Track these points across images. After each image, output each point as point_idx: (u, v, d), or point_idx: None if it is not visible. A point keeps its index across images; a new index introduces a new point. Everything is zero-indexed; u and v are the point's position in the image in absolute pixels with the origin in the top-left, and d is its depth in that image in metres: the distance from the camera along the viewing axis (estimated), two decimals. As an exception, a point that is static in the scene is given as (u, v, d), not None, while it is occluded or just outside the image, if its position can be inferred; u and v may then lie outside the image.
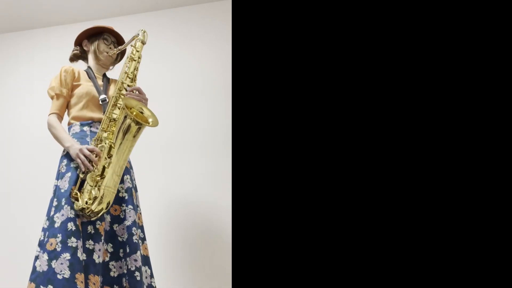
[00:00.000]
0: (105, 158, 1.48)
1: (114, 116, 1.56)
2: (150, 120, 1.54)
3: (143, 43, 1.68)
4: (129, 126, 1.49)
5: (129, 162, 1.70)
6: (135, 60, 1.65)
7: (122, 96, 1.59)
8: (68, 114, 1.68)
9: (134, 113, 1.52)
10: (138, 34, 1.69)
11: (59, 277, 1.34)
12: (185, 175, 2.33)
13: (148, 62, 2.53)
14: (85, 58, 1.82)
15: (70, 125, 1.66)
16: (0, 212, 2.49)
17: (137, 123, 1.49)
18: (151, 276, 1.57)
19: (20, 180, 2.51)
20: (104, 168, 1.47)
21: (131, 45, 1.67)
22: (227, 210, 2.22)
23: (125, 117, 1.48)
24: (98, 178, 1.46)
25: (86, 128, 1.61)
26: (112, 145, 1.49)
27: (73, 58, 1.81)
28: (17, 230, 2.40)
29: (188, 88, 2.48)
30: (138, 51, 1.66)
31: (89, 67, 1.76)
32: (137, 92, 1.61)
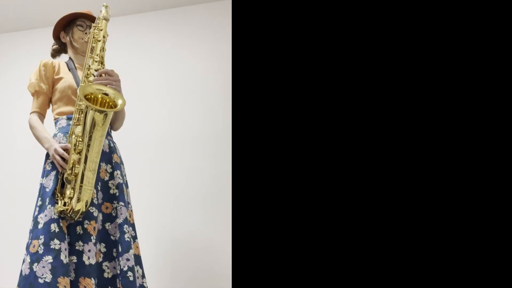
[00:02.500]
0: (74, 154, 1.38)
1: (83, 107, 1.44)
2: (118, 101, 1.38)
3: (106, 20, 1.50)
4: (93, 118, 1.35)
5: (120, 157, 1.61)
6: (99, 41, 1.49)
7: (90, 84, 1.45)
8: (53, 109, 1.62)
9: (99, 96, 1.37)
10: (101, 11, 1.51)
11: (40, 281, 1.30)
12: (184, 175, 2.29)
13: (148, 62, 2.50)
14: (66, 51, 1.73)
15: (56, 119, 1.60)
16: None
17: (101, 111, 1.34)
18: (143, 276, 1.48)
19: (18, 180, 2.51)
20: (73, 165, 1.38)
21: (93, 25, 1.50)
22: (226, 211, 2.16)
23: (86, 107, 1.35)
24: (73, 177, 1.38)
25: (72, 122, 1.53)
26: (80, 139, 1.38)
27: (54, 54, 1.74)
28: (15, 231, 2.41)
29: (188, 88, 2.44)
30: (101, 30, 1.49)
31: (70, 58, 1.67)
32: (106, 76, 1.46)
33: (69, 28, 1.66)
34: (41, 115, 1.60)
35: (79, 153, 1.37)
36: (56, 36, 1.72)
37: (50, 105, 1.64)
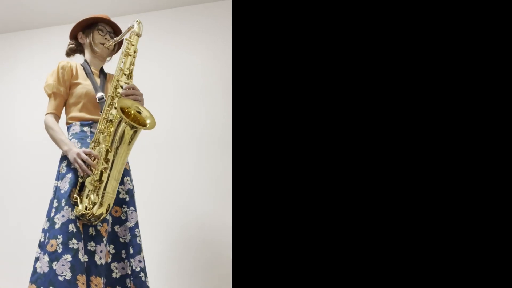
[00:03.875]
0: (103, 163, 1.46)
1: (111, 117, 1.51)
2: (148, 121, 1.49)
3: (139, 35, 1.58)
4: (124, 131, 1.45)
5: (128, 163, 1.69)
6: (130, 55, 1.56)
7: (118, 95, 1.53)
8: (66, 113, 1.65)
9: (132, 112, 1.46)
10: (133, 26, 1.58)
11: (61, 278, 1.38)
12: (184, 176, 2.32)
13: (148, 62, 2.50)
14: (81, 52, 1.75)
15: (69, 124, 1.63)
16: (0, 212, 2.54)
17: (132, 127, 1.44)
18: (145, 275, 1.61)
19: (20, 180, 2.52)
20: (102, 173, 1.46)
21: (126, 39, 1.57)
22: (227, 211, 2.20)
23: (120, 120, 1.44)
24: (97, 183, 1.46)
25: (86, 129, 1.58)
26: (109, 149, 1.46)
27: (69, 53, 1.75)
28: (16, 230, 2.44)
29: (188, 88, 2.45)
30: (133, 45, 1.57)
31: (85, 61, 1.70)
32: (132, 90, 1.55)
33: (89, 31, 1.69)
34: (57, 117, 1.63)
35: (107, 162, 1.46)
36: (74, 35, 1.73)
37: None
